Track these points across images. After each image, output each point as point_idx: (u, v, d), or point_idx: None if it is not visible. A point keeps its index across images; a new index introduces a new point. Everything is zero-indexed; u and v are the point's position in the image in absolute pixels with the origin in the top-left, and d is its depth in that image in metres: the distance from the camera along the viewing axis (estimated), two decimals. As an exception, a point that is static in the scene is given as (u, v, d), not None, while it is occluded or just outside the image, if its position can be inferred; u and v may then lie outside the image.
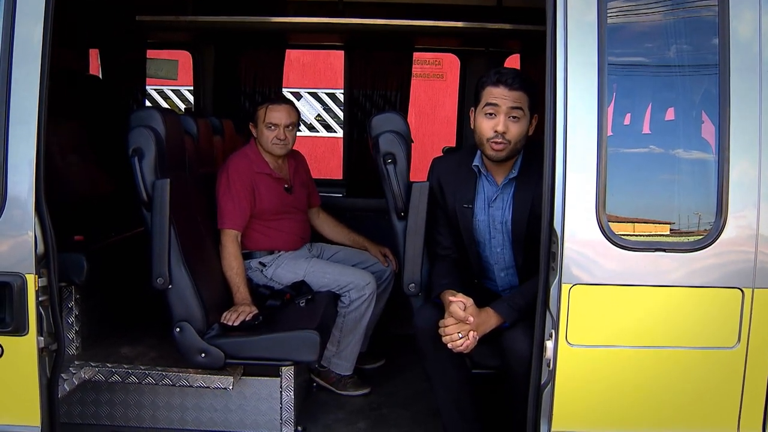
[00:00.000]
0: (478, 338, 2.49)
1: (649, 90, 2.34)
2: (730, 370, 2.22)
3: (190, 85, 5.35)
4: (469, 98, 4.87)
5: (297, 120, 3.51)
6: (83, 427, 3.06)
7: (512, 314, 2.53)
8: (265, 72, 5.10)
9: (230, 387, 2.92)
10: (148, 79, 5.27)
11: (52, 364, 2.35)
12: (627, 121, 2.37)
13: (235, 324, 2.97)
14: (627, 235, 2.20)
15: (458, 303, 2.51)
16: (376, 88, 5.09)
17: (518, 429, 2.40)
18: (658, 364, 2.24)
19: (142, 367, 2.94)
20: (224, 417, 3.09)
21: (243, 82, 5.08)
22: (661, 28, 2.27)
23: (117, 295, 3.46)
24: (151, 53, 5.30)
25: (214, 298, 3.04)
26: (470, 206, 2.74)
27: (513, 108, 2.54)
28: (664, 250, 2.19)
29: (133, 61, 4.97)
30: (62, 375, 2.71)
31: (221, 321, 3.00)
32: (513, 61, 5.02)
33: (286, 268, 3.44)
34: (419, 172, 2.98)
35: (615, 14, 2.21)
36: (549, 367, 2.22)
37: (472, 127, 2.67)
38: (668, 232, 2.23)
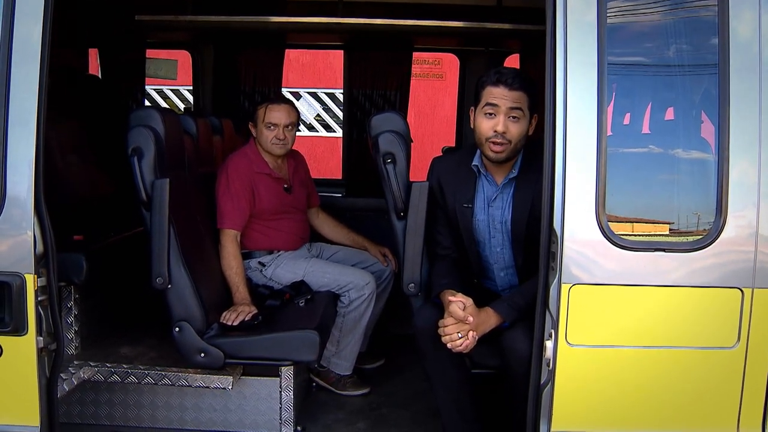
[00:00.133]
0: (477, 338, 2.49)
1: (648, 90, 2.34)
2: (730, 370, 2.22)
3: (190, 85, 5.35)
4: (468, 98, 4.88)
5: (296, 120, 3.51)
6: (82, 427, 3.06)
7: (512, 314, 2.53)
8: (264, 72, 5.10)
9: (229, 387, 2.92)
10: (147, 79, 5.27)
11: (51, 364, 2.35)
12: (627, 120, 2.37)
13: (235, 324, 2.97)
14: (627, 234, 2.20)
15: (458, 303, 2.51)
16: (375, 87, 5.09)
17: (518, 429, 2.40)
18: (658, 364, 2.24)
19: (142, 367, 2.94)
20: (223, 417, 3.09)
21: (242, 82, 5.08)
22: (660, 27, 2.27)
23: (116, 295, 3.46)
24: (150, 53, 5.30)
25: (214, 298, 3.04)
26: (470, 206, 2.74)
27: (513, 108, 2.54)
28: (664, 250, 2.19)
29: (132, 61, 4.96)
30: (61, 375, 2.71)
31: (221, 321, 2.99)
32: (513, 61, 5.02)
33: (285, 268, 3.43)
34: (419, 172, 2.98)
35: (615, 14, 2.21)
36: (549, 366, 2.22)
37: (472, 126, 2.67)
38: (668, 232, 2.23)
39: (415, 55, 5.22)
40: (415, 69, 5.36)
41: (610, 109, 2.22)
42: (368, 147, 3.05)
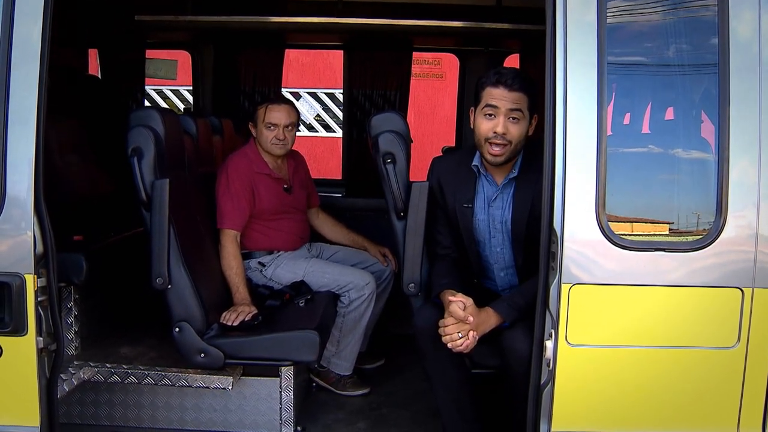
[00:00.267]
0: (477, 338, 2.49)
1: (648, 90, 2.34)
2: (730, 370, 2.22)
3: (189, 85, 5.35)
4: (468, 98, 4.87)
5: (296, 120, 3.50)
6: (82, 428, 3.06)
7: (512, 314, 2.53)
8: (264, 72, 5.09)
9: (229, 387, 2.92)
10: (147, 79, 5.27)
11: (51, 364, 2.35)
12: (627, 120, 2.37)
13: (235, 324, 2.97)
14: (627, 234, 2.20)
15: (458, 303, 2.51)
16: (375, 87, 5.08)
17: (518, 429, 2.40)
18: (658, 364, 2.24)
19: (142, 368, 2.94)
20: (223, 417, 3.08)
21: (242, 82, 5.08)
22: (660, 27, 2.27)
23: (116, 295, 3.46)
24: (150, 53, 5.30)
25: (214, 298, 3.04)
26: (470, 206, 2.74)
27: (512, 109, 2.54)
28: (664, 250, 2.19)
29: (132, 61, 4.97)
30: (61, 375, 2.71)
31: (221, 321, 2.99)
32: (512, 61, 5.02)
33: (285, 268, 3.43)
34: (419, 172, 2.98)
35: (614, 14, 2.21)
36: (549, 366, 2.22)
37: (471, 126, 2.67)
38: (668, 232, 2.23)
39: (415, 55, 5.22)
40: (415, 69, 5.36)
41: (610, 109, 2.22)
42: (368, 147, 3.05)
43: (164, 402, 3.08)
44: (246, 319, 2.99)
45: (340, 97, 6.92)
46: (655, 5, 2.26)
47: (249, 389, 3.08)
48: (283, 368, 3.04)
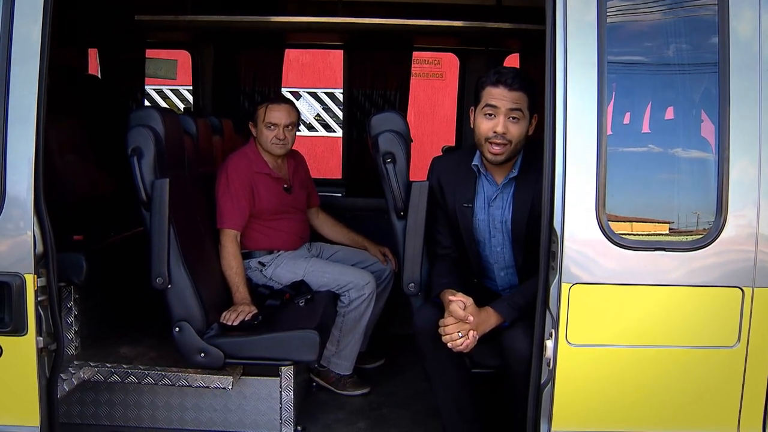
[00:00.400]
0: (477, 338, 2.49)
1: (648, 89, 2.34)
2: (730, 370, 2.22)
3: (189, 85, 5.35)
4: (468, 97, 4.88)
5: (297, 120, 3.50)
6: (82, 427, 3.06)
7: (512, 313, 2.53)
8: (264, 71, 5.10)
9: (230, 387, 2.92)
10: (147, 79, 5.27)
11: (51, 364, 2.35)
12: (627, 120, 2.37)
13: (235, 324, 2.97)
14: (627, 234, 2.20)
15: (458, 302, 2.51)
16: (375, 87, 5.09)
17: (518, 429, 2.40)
18: (658, 364, 2.24)
19: (142, 367, 2.94)
20: (223, 417, 3.08)
21: (242, 82, 5.08)
22: (660, 27, 2.27)
23: (116, 295, 3.46)
24: (150, 53, 5.30)
25: (214, 298, 3.04)
26: (470, 205, 2.74)
27: (512, 109, 2.54)
28: (664, 250, 2.19)
29: (132, 61, 4.97)
30: (61, 375, 2.71)
31: (221, 321, 2.99)
32: (512, 61, 5.03)
33: (285, 268, 3.43)
34: (419, 172, 2.98)
35: (614, 13, 2.21)
36: (549, 366, 2.22)
37: (471, 126, 2.66)
38: (668, 232, 2.23)
39: (415, 54, 5.22)
40: (415, 68, 5.36)
41: (610, 109, 2.22)
42: (368, 147, 3.05)
43: (164, 402, 3.07)
44: (246, 318, 2.99)
45: (340, 97, 6.92)
46: (655, 5, 2.26)
47: (249, 389, 3.08)
48: (283, 368, 3.04)
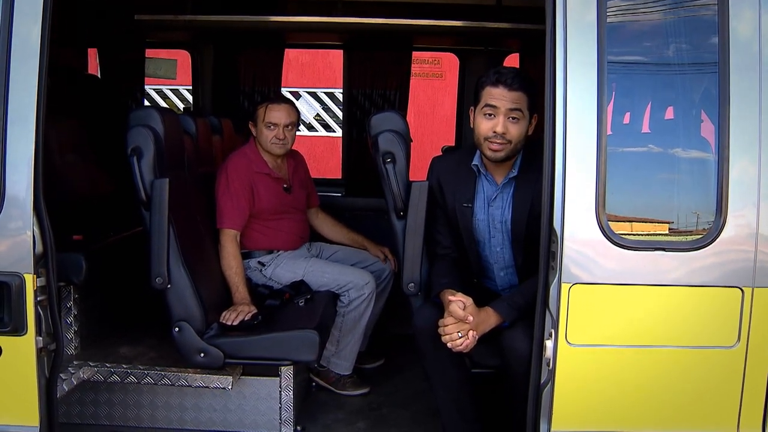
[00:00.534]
0: (477, 337, 2.49)
1: (648, 89, 2.34)
2: (730, 370, 2.22)
3: (189, 85, 5.35)
4: (468, 97, 4.88)
5: (296, 120, 3.50)
6: (82, 427, 3.06)
7: (512, 313, 2.53)
8: (264, 71, 5.09)
9: (229, 387, 2.92)
10: (146, 79, 5.27)
11: (50, 364, 2.34)
12: (626, 120, 2.36)
13: (234, 324, 2.97)
14: (627, 234, 2.20)
15: (457, 302, 2.50)
16: (375, 87, 5.09)
17: (518, 428, 2.40)
18: (658, 364, 2.24)
19: (141, 367, 2.94)
20: (223, 417, 3.08)
21: (242, 82, 5.08)
22: (660, 27, 2.27)
23: (116, 295, 3.45)
24: (149, 53, 5.30)
25: (213, 298, 3.04)
26: (470, 205, 2.74)
27: (512, 109, 2.54)
28: (664, 250, 2.19)
29: (131, 61, 4.97)
30: (61, 375, 2.70)
31: (220, 321, 2.99)
32: (512, 60, 5.02)
33: (285, 268, 3.43)
34: (419, 171, 2.98)
35: (614, 13, 2.20)
36: (549, 366, 2.22)
37: (471, 126, 2.66)
38: (668, 232, 2.23)
39: (415, 54, 5.22)
40: (415, 68, 5.36)
41: (609, 109, 2.21)
42: (368, 146, 3.05)
43: (164, 402, 3.07)
44: (246, 318, 2.98)
45: (340, 97, 6.92)
46: (655, 5, 2.25)
47: (249, 389, 3.08)
48: (282, 368, 3.04)
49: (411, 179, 2.86)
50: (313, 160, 5.00)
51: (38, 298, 2.27)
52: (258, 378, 3.07)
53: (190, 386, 2.94)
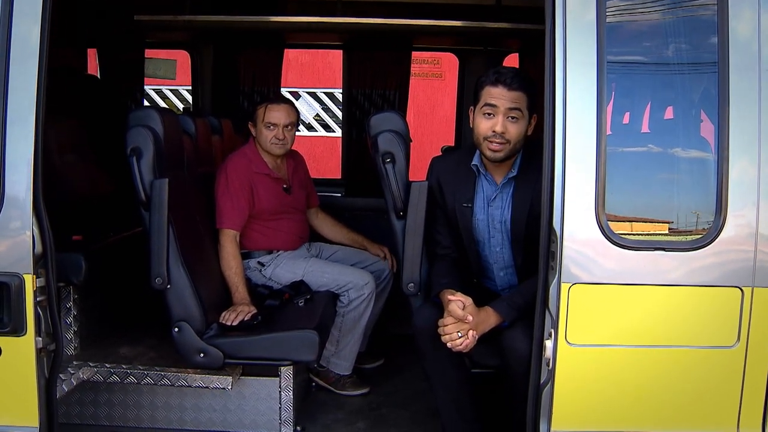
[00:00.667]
0: (477, 337, 2.49)
1: (648, 89, 2.34)
2: (730, 369, 2.22)
3: (189, 85, 5.35)
4: (467, 97, 4.88)
5: (296, 120, 3.50)
6: (82, 428, 3.06)
7: (511, 313, 2.53)
8: (263, 71, 5.09)
9: (229, 387, 2.92)
10: (146, 79, 5.27)
11: (50, 364, 2.34)
12: (626, 120, 2.36)
13: (234, 324, 2.97)
14: (626, 234, 2.20)
15: (457, 302, 2.50)
16: (374, 87, 5.09)
17: (518, 428, 2.40)
18: (658, 364, 2.24)
19: (141, 368, 2.94)
20: (223, 417, 3.08)
21: (241, 82, 5.08)
22: (660, 27, 2.27)
23: (115, 295, 3.45)
24: (149, 53, 5.30)
25: (213, 298, 3.04)
26: (469, 205, 2.74)
27: (511, 109, 2.54)
28: (664, 249, 2.19)
29: (131, 61, 4.97)
30: (60, 375, 2.71)
31: (220, 321, 2.99)
32: (512, 60, 5.03)
33: (284, 268, 3.43)
34: (418, 171, 2.98)
35: (614, 13, 2.21)
36: (548, 366, 2.22)
37: (471, 126, 2.66)
38: (668, 231, 2.23)
39: (414, 54, 5.22)
40: (414, 68, 5.36)
41: (609, 109, 2.21)
42: (367, 147, 3.05)
43: (163, 402, 3.07)
44: (245, 318, 2.98)
45: (340, 97, 6.92)
46: (655, 5, 2.26)
47: (248, 389, 3.08)
48: (282, 368, 3.04)
49: (411, 179, 2.86)
50: (313, 161, 5.00)
51: (38, 299, 2.26)
52: (258, 378, 3.07)
53: (190, 386, 2.94)
